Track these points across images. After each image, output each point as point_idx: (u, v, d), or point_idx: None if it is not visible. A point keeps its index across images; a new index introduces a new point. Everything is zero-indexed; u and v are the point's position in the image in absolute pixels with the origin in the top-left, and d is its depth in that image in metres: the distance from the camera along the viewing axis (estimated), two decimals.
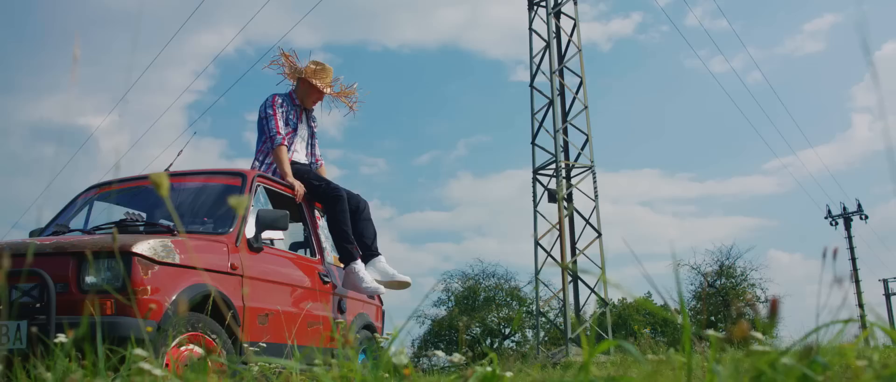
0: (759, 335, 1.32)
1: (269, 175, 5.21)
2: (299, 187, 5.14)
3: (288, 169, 5.17)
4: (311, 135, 5.74)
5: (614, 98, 48.12)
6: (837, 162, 50.16)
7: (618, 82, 48.72)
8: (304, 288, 4.82)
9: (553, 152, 17.28)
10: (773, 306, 1.22)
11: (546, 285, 18.16)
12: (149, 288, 3.46)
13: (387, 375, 1.85)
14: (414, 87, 55.15)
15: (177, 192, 4.78)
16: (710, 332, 1.32)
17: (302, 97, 5.58)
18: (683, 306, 1.29)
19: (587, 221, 17.22)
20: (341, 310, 5.26)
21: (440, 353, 2.83)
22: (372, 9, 55.57)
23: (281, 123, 5.31)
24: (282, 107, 5.43)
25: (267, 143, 5.34)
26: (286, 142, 5.28)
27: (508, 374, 1.84)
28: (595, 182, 17.37)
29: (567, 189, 17.30)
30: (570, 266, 16.82)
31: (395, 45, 52.36)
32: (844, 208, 31.83)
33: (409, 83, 54.97)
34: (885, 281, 33.72)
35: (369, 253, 5.25)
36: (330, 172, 5.91)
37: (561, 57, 18.19)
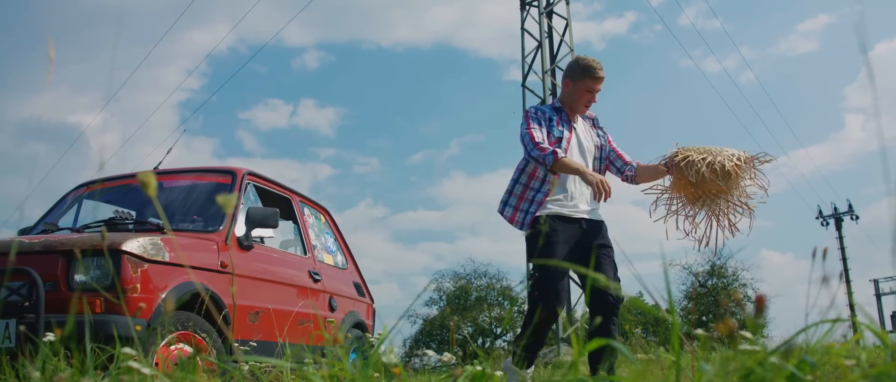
0: (747, 334, 1.32)
1: None
2: (605, 182, 3.67)
3: (578, 165, 3.76)
4: (600, 148, 4.10)
5: (608, 97, 48.18)
6: (830, 162, 50.41)
7: (611, 82, 48.70)
8: (294, 286, 4.81)
9: None
10: (759, 303, 1.22)
11: None
12: (138, 286, 3.45)
13: (377, 374, 1.84)
14: (407, 86, 55.12)
15: (167, 191, 4.77)
16: (699, 331, 1.33)
17: (569, 101, 4.05)
18: (672, 305, 1.29)
19: None
20: (332, 309, 5.25)
21: (431, 353, 2.83)
22: (365, 7, 55.55)
23: (536, 131, 3.86)
24: (536, 115, 3.96)
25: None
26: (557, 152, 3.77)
27: (498, 373, 1.84)
28: None
29: None
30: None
31: (389, 43, 52.31)
32: (835, 209, 32.00)
33: (403, 81, 54.92)
34: (876, 282, 33.91)
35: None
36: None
37: (553, 57, 18.22)
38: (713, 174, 3.56)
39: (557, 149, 3.73)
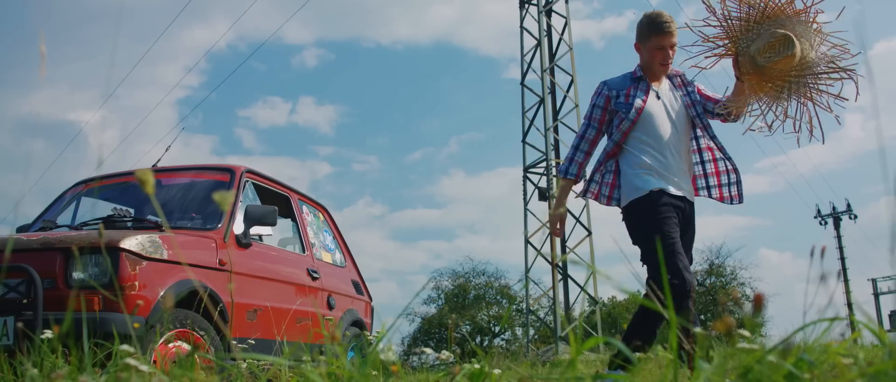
0: (745, 332, 1.32)
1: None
2: (556, 231, 3.60)
3: (560, 201, 3.63)
4: (693, 105, 3.68)
5: None
6: (829, 161, 50.48)
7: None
8: (292, 284, 4.81)
9: (544, 150, 17.31)
10: (757, 302, 1.22)
11: (536, 283, 18.22)
12: (136, 283, 3.44)
13: (375, 372, 1.84)
14: (406, 84, 55.15)
15: (165, 188, 4.77)
16: (697, 329, 1.33)
17: (644, 65, 3.68)
18: (671, 303, 1.29)
19: (577, 220, 17.26)
20: (330, 307, 5.25)
21: (429, 351, 2.83)
22: (365, 4, 55.56)
23: (589, 130, 3.67)
24: (602, 95, 3.66)
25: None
26: (581, 165, 3.67)
27: (496, 371, 1.84)
28: None
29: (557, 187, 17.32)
30: (560, 262, 16.85)
31: (388, 41, 52.36)
32: (834, 208, 32.03)
33: (402, 79, 54.97)
34: (874, 281, 33.96)
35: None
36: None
37: (552, 55, 18.23)
38: (771, 48, 3.21)
39: (571, 170, 3.63)
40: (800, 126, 3.28)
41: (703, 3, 3.44)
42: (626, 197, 3.49)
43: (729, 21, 3.37)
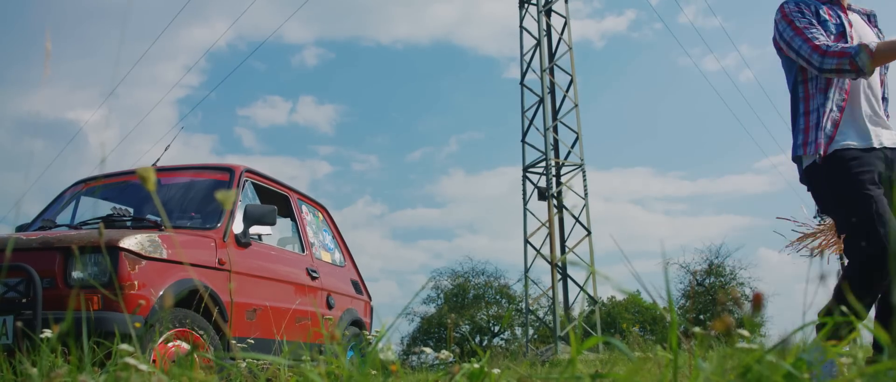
0: (744, 332, 1.32)
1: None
2: None
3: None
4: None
5: (608, 95, 48.12)
6: None
7: (611, 80, 48.71)
8: (292, 283, 4.81)
9: (543, 150, 17.31)
10: (757, 301, 1.23)
11: (535, 283, 18.21)
12: (136, 283, 3.44)
13: (374, 372, 1.84)
14: (406, 83, 55.02)
15: (165, 188, 4.77)
16: (697, 329, 1.33)
17: None
18: (671, 303, 1.29)
19: (577, 219, 17.26)
20: (329, 306, 5.25)
21: (429, 350, 2.83)
22: (365, 4, 55.39)
23: (813, 33, 2.80)
24: (799, 8, 2.88)
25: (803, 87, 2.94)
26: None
27: (496, 371, 1.84)
28: (585, 180, 17.42)
29: (556, 187, 17.34)
30: (560, 262, 16.86)
31: (388, 40, 52.19)
32: None
33: (402, 79, 54.80)
34: None
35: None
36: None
37: (552, 55, 18.23)
38: None
39: (866, 43, 2.67)
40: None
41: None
42: (809, 156, 2.88)
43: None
